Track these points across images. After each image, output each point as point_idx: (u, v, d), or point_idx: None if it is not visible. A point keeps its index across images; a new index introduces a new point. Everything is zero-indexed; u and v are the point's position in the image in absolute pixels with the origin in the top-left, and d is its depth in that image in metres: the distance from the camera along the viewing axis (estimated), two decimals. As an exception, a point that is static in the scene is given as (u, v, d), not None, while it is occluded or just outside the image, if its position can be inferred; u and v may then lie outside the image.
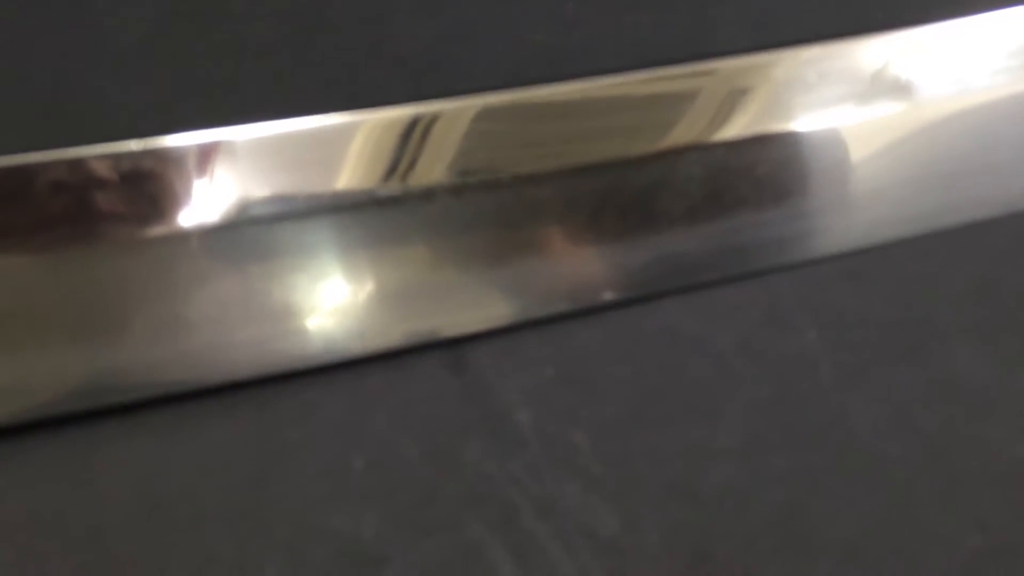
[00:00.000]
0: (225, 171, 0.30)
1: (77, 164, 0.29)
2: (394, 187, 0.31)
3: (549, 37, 0.44)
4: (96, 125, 0.39)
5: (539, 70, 0.42)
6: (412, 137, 0.31)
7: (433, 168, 0.31)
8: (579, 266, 0.33)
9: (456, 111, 0.32)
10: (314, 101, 0.41)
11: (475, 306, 0.33)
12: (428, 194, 0.31)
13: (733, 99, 0.34)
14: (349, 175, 0.31)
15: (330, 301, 0.32)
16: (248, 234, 0.30)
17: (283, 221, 0.31)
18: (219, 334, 0.30)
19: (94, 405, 0.30)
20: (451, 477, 0.30)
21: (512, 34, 0.44)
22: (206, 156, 0.29)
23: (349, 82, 0.41)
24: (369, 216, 0.31)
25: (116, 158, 0.29)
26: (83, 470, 0.29)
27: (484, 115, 0.32)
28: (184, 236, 0.29)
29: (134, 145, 0.30)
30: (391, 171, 0.31)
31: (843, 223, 0.35)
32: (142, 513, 0.29)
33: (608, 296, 0.33)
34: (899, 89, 0.34)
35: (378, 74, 0.42)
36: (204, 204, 0.30)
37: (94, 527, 0.29)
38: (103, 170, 0.28)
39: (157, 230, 0.29)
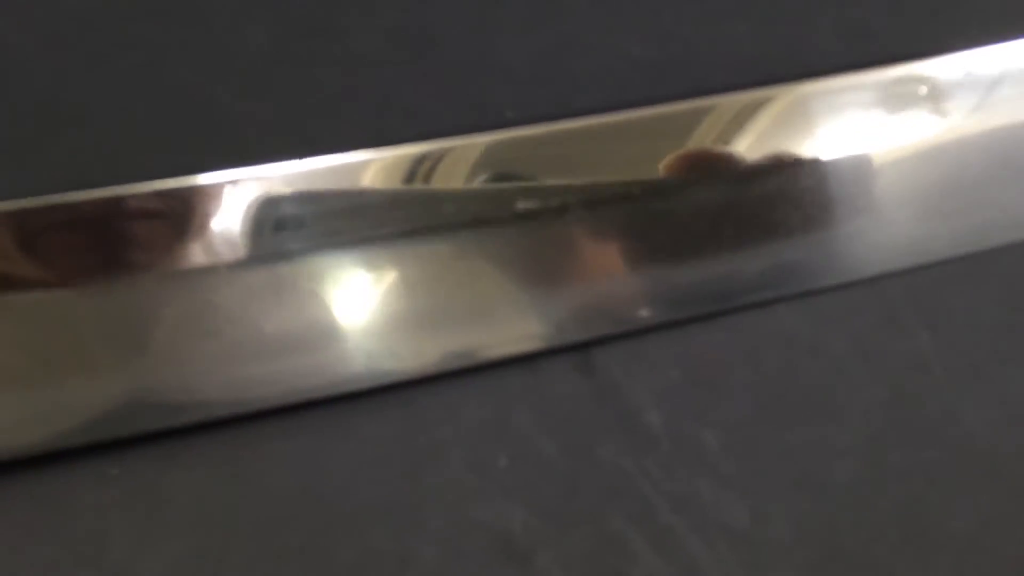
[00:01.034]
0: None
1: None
2: (531, 201, 0.33)
3: (649, 50, 0.45)
4: (221, 137, 0.42)
5: (640, 82, 0.44)
6: (540, 155, 0.33)
7: (565, 183, 0.33)
8: (698, 273, 0.35)
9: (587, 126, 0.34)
10: (424, 112, 0.43)
11: (601, 312, 0.34)
12: (561, 209, 0.33)
13: (832, 116, 0.35)
14: (472, 190, 0.32)
15: (465, 310, 0.34)
16: (374, 249, 0.32)
17: (413, 234, 0.33)
18: (370, 340, 0.32)
19: (242, 411, 0.32)
20: (589, 473, 0.32)
21: (613, 47, 0.45)
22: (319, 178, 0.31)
23: (457, 95, 0.43)
24: (506, 230, 0.33)
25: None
26: (248, 468, 0.32)
27: (608, 130, 0.34)
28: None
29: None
30: (528, 185, 0.33)
31: (952, 228, 0.36)
32: (306, 508, 0.31)
33: (727, 303, 0.35)
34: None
35: (484, 87, 0.44)
36: (319, 223, 0.31)
37: (262, 521, 0.31)
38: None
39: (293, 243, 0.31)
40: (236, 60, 0.44)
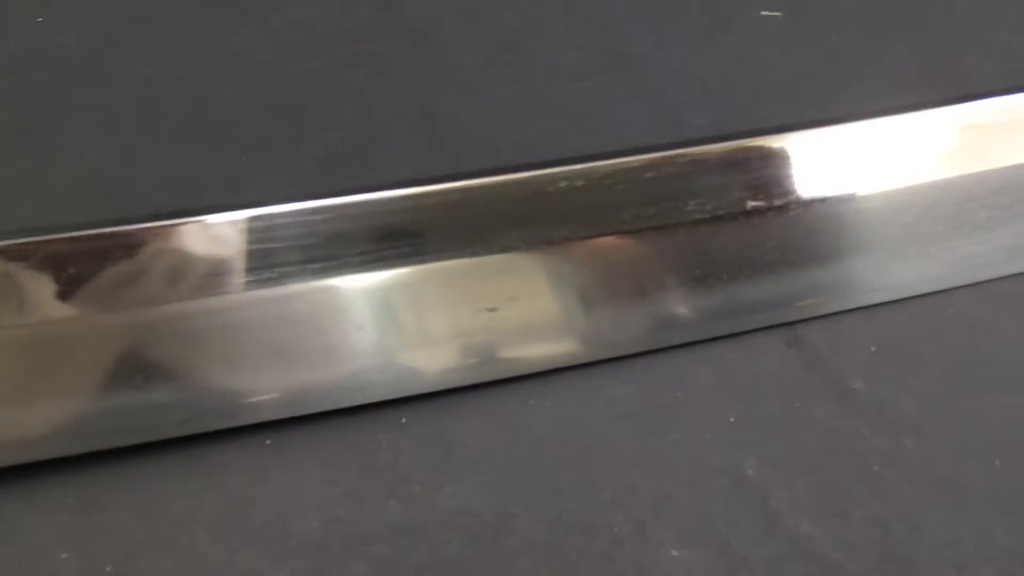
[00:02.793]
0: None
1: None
2: (761, 203, 0.38)
3: (820, 65, 0.51)
4: (443, 140, 0.47)
5: (814, 95, 0.49)
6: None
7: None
8: (895, 262, 0.40)
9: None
10: (625, 120, 0.49)
11: (807, 295, 0.40)
12: (783, 208, 0.38)
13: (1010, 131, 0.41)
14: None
15: (691, 295, 0.39)
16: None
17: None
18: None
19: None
20: (808, 431, 0.37)
21: (788, 62, 0.51)
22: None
23: (652, 104, 0.49)
24: (732, 228, 0.38)
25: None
26: (519, 421, 0.37)
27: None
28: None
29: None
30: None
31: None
32: (570, 454, 0.37)
33: (917, 289, 0.40)
34: None
35: (675, 98, 0.49)
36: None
37: (536, 463, 0.36)
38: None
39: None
40: (455, 72, 0.50)
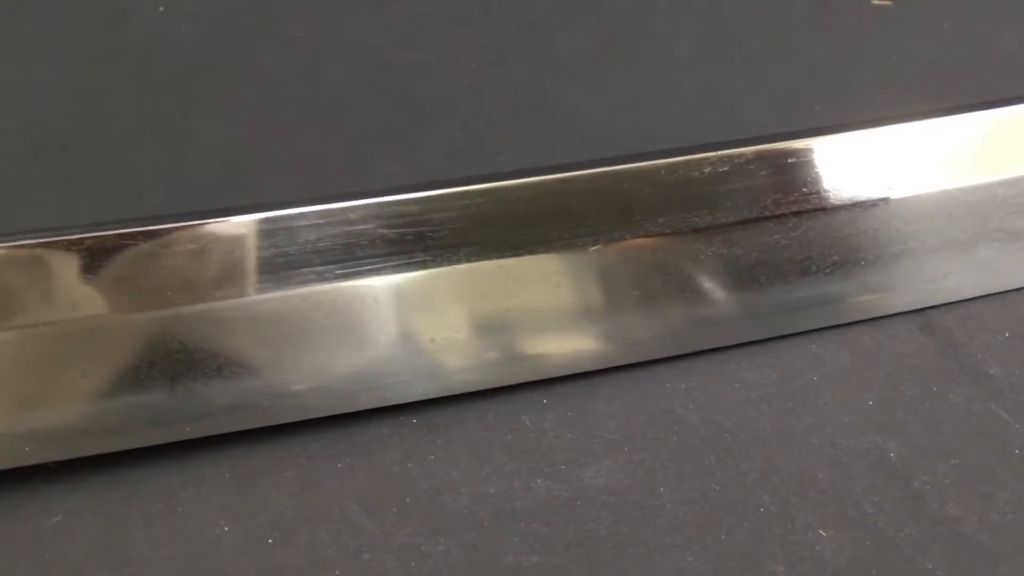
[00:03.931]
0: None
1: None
2: (896, 192, 0.38)
3: (936, 54, 0.51)
4: (558, 125, 0.48)
5: (930, 84, 0.50)
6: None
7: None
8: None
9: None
10: (743, 106, 0.49)
11: (939, 280, 0.40)
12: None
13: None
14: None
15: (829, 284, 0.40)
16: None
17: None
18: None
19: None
20: (947, 415, 0.38)
21: (904, 51, 0.51)
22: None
23: (769, 91, 0.49)
24: (871, 215, 0.39)
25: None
26: (658, 403, 0.38)
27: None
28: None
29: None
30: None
31: None
32: (711, 434, 0.37)
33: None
34: None
35: (791, 85, 0.50)
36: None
37: (678, 443, 0.37)
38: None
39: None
40: (567, 61, 0.51)
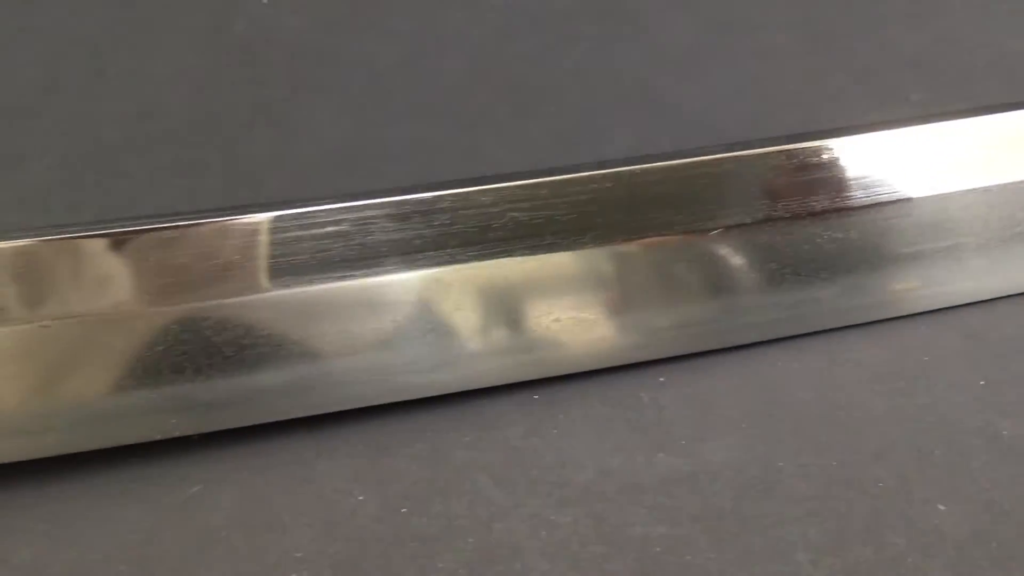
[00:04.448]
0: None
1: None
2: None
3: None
4: (662, 117, 0.49)
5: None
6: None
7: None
8: None
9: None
10: (843, 96, 0.50)
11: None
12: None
13: None
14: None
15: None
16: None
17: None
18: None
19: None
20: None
21: (995, 42, 0.51)
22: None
23: (864, 81, 0.50)
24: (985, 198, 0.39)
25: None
26: (772, 382, 0.39)
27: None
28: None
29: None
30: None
31: None
32: (824, 412, 0.38)
33: None
34: None
35: (885, 78, 0.50)
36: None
37: (793, 419, 0.38)
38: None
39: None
40: (668, 52, 0.52)
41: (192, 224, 0.32)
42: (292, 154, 0.47)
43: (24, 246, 0.31)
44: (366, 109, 0.49)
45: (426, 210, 0.34)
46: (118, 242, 0.32)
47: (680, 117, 0.49)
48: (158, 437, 0.34)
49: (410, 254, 0.34)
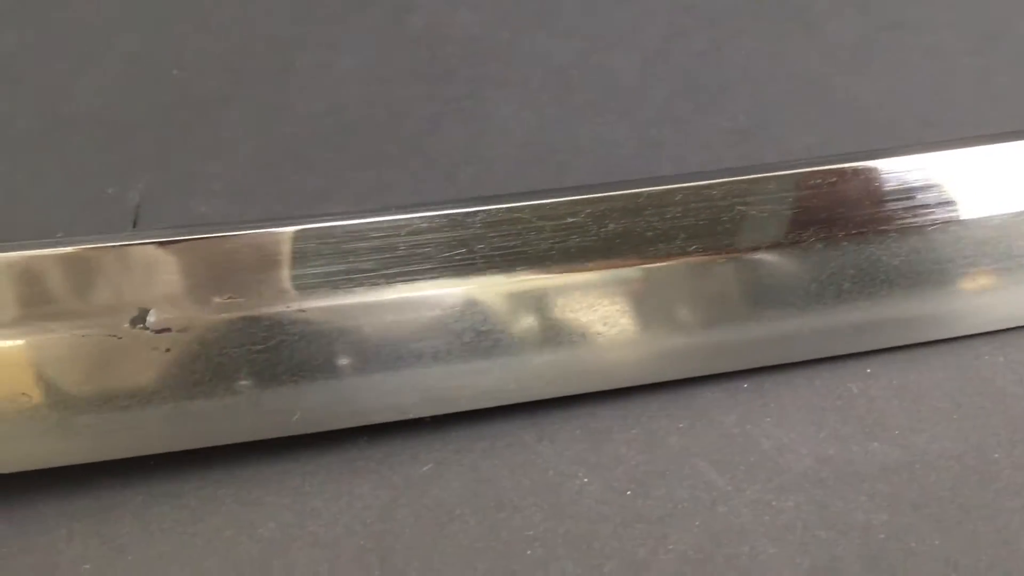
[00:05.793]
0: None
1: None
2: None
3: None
4: (840, 117, 0.50)
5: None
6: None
7: None
8: None
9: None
10: (1011, 96, 0.50)
11: None
12: None
13: None
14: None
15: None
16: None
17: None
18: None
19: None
20: None
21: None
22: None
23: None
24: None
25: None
26: (978, 373, 0.39)
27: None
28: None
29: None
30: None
31: None
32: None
33: None
34: None
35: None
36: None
37: (1003, 412, 0.38)
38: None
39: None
40: (838, 51, 0.52)
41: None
42: (478, 148, 0.48)
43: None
44: (545, 104, 0.50)
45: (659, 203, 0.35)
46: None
47: (854, 115, 0.49)
48: (397, 418, 0.36)
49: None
